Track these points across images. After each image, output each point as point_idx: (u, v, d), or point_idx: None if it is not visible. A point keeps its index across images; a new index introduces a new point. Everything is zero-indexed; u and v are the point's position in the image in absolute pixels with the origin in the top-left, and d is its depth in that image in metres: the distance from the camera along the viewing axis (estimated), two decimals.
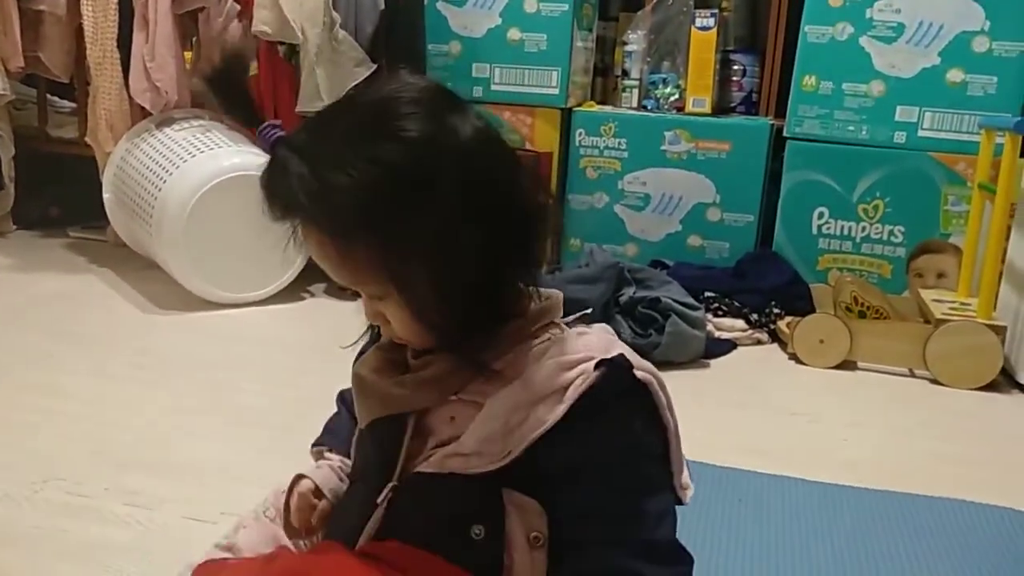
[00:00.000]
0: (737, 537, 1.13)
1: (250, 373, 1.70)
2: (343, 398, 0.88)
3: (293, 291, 2.18)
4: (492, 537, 0.66)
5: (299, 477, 0.82)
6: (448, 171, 0.64)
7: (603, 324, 0.75)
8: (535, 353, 0.69)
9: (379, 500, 0.71)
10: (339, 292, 2.24)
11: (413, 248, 0.63)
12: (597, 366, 0.66)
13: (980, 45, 2.12)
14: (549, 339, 0.70)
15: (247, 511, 0.87)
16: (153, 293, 2.15)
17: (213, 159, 2.06)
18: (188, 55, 2.35)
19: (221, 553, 0.85)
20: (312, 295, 2.23)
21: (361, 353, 0.80)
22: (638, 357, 0.69)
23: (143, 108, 2.24)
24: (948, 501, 1.28)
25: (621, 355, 0.67)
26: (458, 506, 0.68)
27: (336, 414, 0.89)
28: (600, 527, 0.66)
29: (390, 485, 0.71)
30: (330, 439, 0.87)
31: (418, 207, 0.63)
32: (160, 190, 2.04)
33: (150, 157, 2.14)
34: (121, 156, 2.24)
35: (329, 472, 0.82)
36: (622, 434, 0.67)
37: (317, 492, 0.81)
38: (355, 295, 0.71)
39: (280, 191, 0.65)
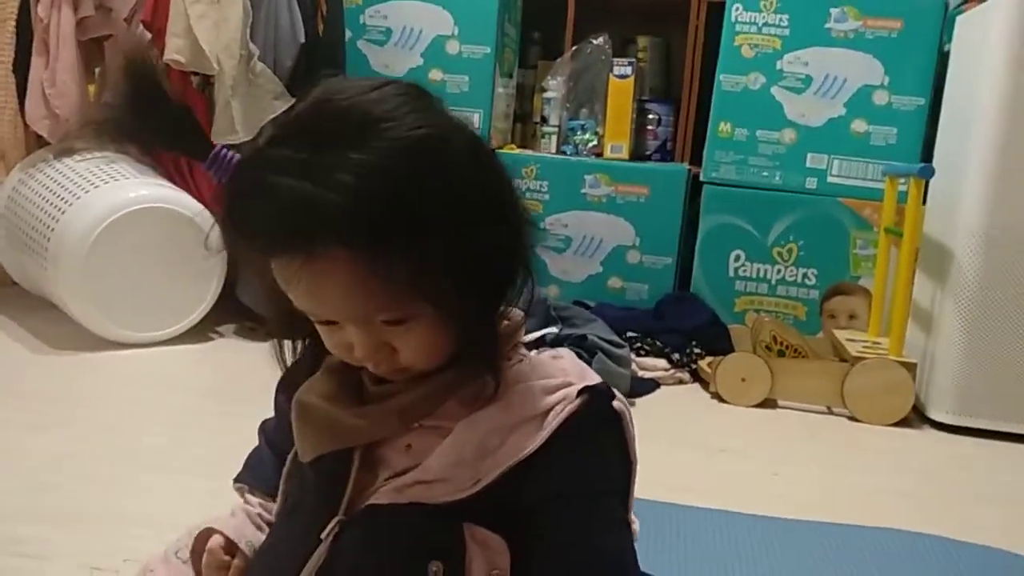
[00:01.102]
0: (684, 573, 1.10)
1: (151, 416, 1.58)
2: (264, 430, 0.81)
3: (201, 331, 2.06)
4: (451, 574, 0.61)
5: (208, 532, 0.73)
6: (461, 165, 0.59)
7: (567, 350, 0.72)
8: (512, 375, 0.65)
9: (323, 535, 0.64)
10: (249, 333, 2.13)
11: (446, 252, 0.57)
12: (580, 393, 0.63)
13: (880, 98, 2.24)
14: (521, 360, 0.66)
15: (154, 553, 0.78)
16: (46, 333, 2.00)
17: (118, 190, 1.94)
18: (92, 88, 2.24)
19: None
20: (221, 335, 2.12)
21: (287, 380, 0.73)
22: (610, 387, 0.66)
23: (40, 137, 2.11)
24: (879, 530, 1.29)
25: (603, 383, 0.65)
26: (416, 541, 0.62)
27: (256, 448, 0.81)
28: (569, 562, 0.62)
29: (336, 519, 0.65)
30: (250, 476, 0.79)
31: (444, 203, 0.57)
32: (58, 222, 1.91)
33: (47, 188, 2.00)
34: (13, 187, 2.09)
35: (244, 521, 0.74)
36: (598, 466, 0.64)
37: (230, 547, 0.72)
38: (292, 333, 0.66)
39: (292, 218, 0.54)
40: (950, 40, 2.14)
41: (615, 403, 0.64)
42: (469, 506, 0.61)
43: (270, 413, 0.79)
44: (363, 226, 0.54)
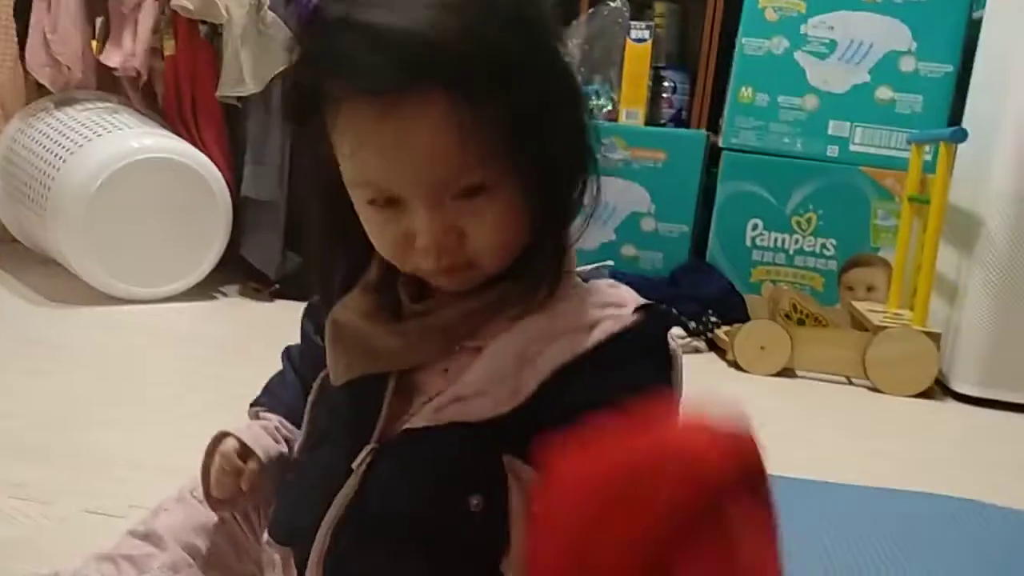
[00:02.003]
0: None
1: (156, 366, 1.53)
2: (289, 355, 0.75)
3: (203, 290, 2.00)
4: (492, 510, 0.56)
5: (222, 435, 0.67)
6: (547, 36, 0.56)
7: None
8: (563, 291, 0.59)
9: (355, 465, 0.59)
10: (253, 293, 2.08)
11: (539, 108, 0.54)
12: (636, 311, 0.58)
13: (907, 65, 2.18)
14: (576, 285, 0.61)
15: (166, 496, 0.73)
16: (45, 288, 1.94)
17: (120, 139, 1.88)
18: (93, 42, 2.17)
19: (137, 542, 0.71)
20: (224, 295, 2.06)
21: (317, 303, 0.68)
22: (671, 315, 0.62)
23: (40, 85, 2.04)
24: (908, 493, 1.25)
25: (666, 308, 0.60)
26: (454, 470, 0.57)
27: (280, 373, 0.75)
28: None
29: (369, 447, 0.59)
30: (271, 400, 0.73)
31: (538, 58, 0.54)
32: (59, 171, 1.84)
33: (47, 136, 1.93)
34: (12, 136, 2.02)
35: (260, 431, 0.69)
36: (640, 387, 0.56)
37: (244, 451, 0.66)
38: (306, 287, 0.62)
39: (390, 48, 0.50)
40: (981, 7, 2.08)
41: (671, 341, 0.59)
42: (509, 427, 0.56)
43: (277, 368, 0.74)
44: (463, 64, 0.50)
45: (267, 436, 0.69)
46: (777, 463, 1.38)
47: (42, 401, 1.30)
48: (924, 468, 1.42)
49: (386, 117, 0.51)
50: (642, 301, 0.60)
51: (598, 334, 0.56)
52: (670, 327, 0.60)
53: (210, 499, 0.68)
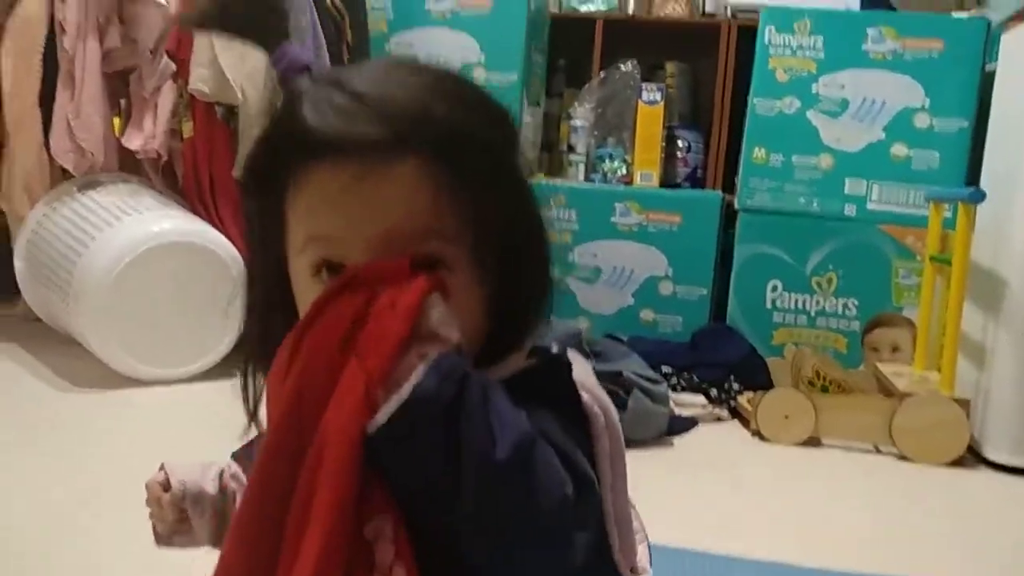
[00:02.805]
0: None
1: (175, 455, 1.52)
2: None
3: (225, 368, 2.01)
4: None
5: (160, 467, 0.72)
6: (513, 133, 0.57)
7: (579, 354, 0.61)
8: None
9: None
10: None
11: (500, 199, 0.53)
12: (532, 354, 0.55)
13: (921, 121, 2.17)
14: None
15: None
16: (68, 370, 1.96)
17: (140, 224, 1.91)
18: (116, 121, 2.22)
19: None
20: None
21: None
22: (601, 390, 0.56)
23: (64, 170, 2.08)
24: None
25: (566, 353, 0.55)
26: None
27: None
28: None
29: None
30: (246, 449, 0.68)
31: (506, 155, 0.55)
32: (81, 256, 1.88)
33: (70, 222, 1.97)
34: (37, 221, 2.06)
35: (194, 469, 0.71)
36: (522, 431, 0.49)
37: (166, 484, 0.70)
38: None
39: (370, 113, 0.50)
40: (993, 59, 2.07)
41: (584, 394, 0.54)
42: None
43: None
44: (441, 135, 0.51)
45: (199, 473, 0.70)
46: (806, 546, 1.34)
47: (62, 504, 1.29)
48: (956, 546, 1.37)
49: (365, 174, 0.50)
50: (558, 356, 0.55)
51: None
52: (567, 376, 0.54)
53: (154, 532, 0.71)
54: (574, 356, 0.56)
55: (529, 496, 0.46)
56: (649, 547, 0.61)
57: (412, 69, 0.55)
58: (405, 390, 0.45)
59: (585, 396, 0.54)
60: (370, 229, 0.50)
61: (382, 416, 0.45)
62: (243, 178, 0.57)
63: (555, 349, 0.55)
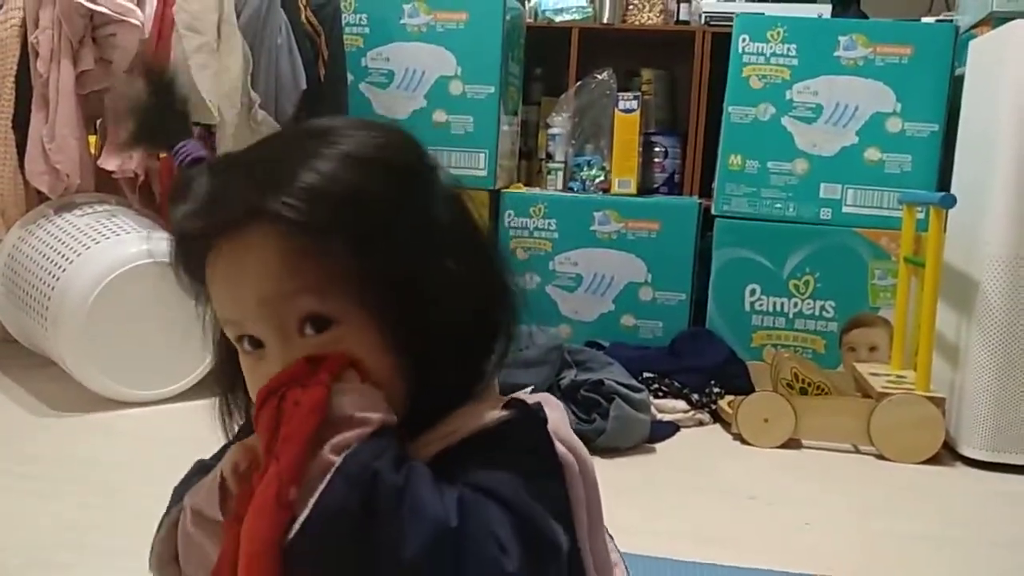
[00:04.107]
0: None
1: (157, 478, 1.52)
2: None
3: (206, 387, 2.00)
4: None
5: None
6: (429, 186, 0.56)
7: (553, 398, 0.61)
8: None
9: None
10: None
11: (397, 257, 0.53)
12: (507, 406, 0.55)
13: (893, 126, 2.20)
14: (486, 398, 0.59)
15: None
16: (46, 393, 1.95)
17: (118, 245, 1.90)
18: (92, 139, 2.21)
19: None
20: None
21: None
22: (574, 437, 0.56)
23: (40, 192, 2.07)
24: None
25: (539, 405, 0.56)
26: None
27: None
28: None
29: None
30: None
31: (406, 208, 0.54)
32: (58, 280, 1.87)
33: (47, 244, 1.96)
34: (13, 244, 2.05)
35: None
36: (508, 474, 0.51)
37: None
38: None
39: (227, 190, 0.53)
40: (962, 63, 2.10)
41: (559, 445, 0.54)
42: None
43: None
44: (294, 193, 0.51)
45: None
46: (787, 551, 1.36)
47: (45, 530, 1.29)
48: (938, 546, 1.39)
49: (226, 253, 0.53)
50: (524, 406, 0.56)
51: (459, 435, 0.54)
52: (542, 431, 0.55)
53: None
54: (548, 402, 0.57)
55: None
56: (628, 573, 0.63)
57: (324, 134, 0.55)
58: (309, 506, 0.47)
59: (560, 447, 0.54)
60: (249, 299, 0.53)
61: (295, 527, 0.47)
62: (173, 270, 0.60)
63: (530, 401, 0.56)
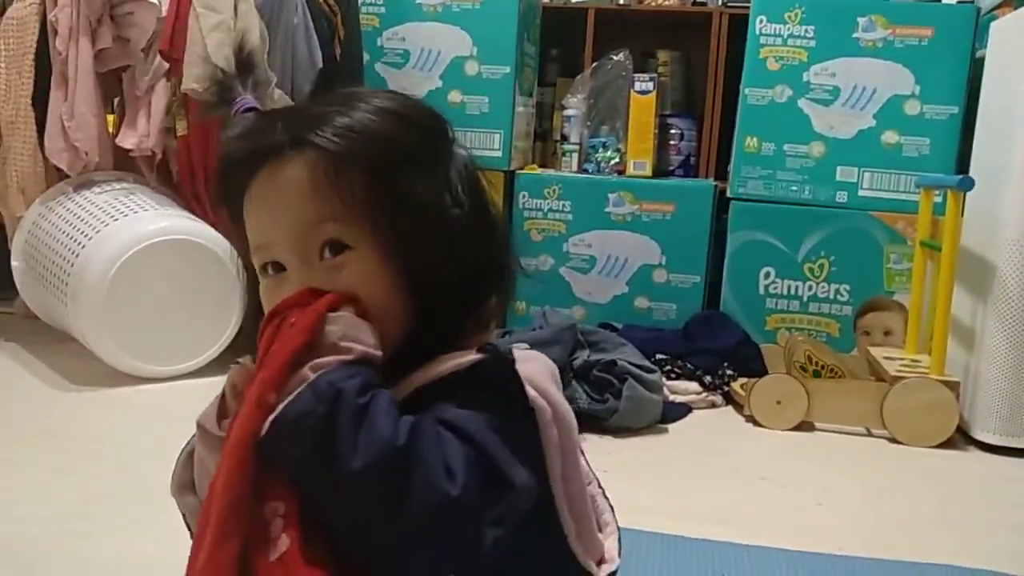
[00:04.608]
0: None
1: (173, 452, 1.54)
2: None
3: (223, 363, 2.03)
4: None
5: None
6: (448, 149, 0.62)
7: (538, 353, 0.62)
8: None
9: None
10: None
11: (409, 189, 0.59)
12: (479, 351, 0.57)
13: (912, 108, 2.18)
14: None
15: None
16: (67, 369, 1.97)
17: (137, 222, 1.92)
18: (110, 118, 2.23)
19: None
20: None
21: None
22: (552, 388, 0.57)
23: (59, 170, 2.09)
24: (933, 567, 1.23)
25: (508, 350, 0.58)
26: None
27: None
28: None
29: None
30: None
31: (425, 159, 0.60)
32: (78, 256, 1.89)
33: (66, 221, 1.98)
34: (33, 221, 2.07)
35: None
36: (475, 415, 0.54)
37: None
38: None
39: (278, 122, 0.60)
40: (982, 45, 2.08)
41: (530, 390, 0.55)
42: None
43: None
44: (332, 129, 0.58)
45: None
46: (798, 530, 1.37)
47: (68, 504, 1.31)
48: (949, 527, 1.40)
49: (270, 178, 0.59)
50: (495, 350, 0.58)
51: (439, 372, 0.57)
52: (510, 371, 0.56)
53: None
54: (530, 355, 0.59)
55: (392, 502, 0.50)
56: (620, 539, 0.63)
57: (359, 95, 0.61)
58: (279, 408, 0.52)
59: (531, 391, 0.55)
60: (284, 223, 0.58)
61: (265, 428, 0.53)
62: (212, 200, 0.66)
63: (506, 348, 0.58)
